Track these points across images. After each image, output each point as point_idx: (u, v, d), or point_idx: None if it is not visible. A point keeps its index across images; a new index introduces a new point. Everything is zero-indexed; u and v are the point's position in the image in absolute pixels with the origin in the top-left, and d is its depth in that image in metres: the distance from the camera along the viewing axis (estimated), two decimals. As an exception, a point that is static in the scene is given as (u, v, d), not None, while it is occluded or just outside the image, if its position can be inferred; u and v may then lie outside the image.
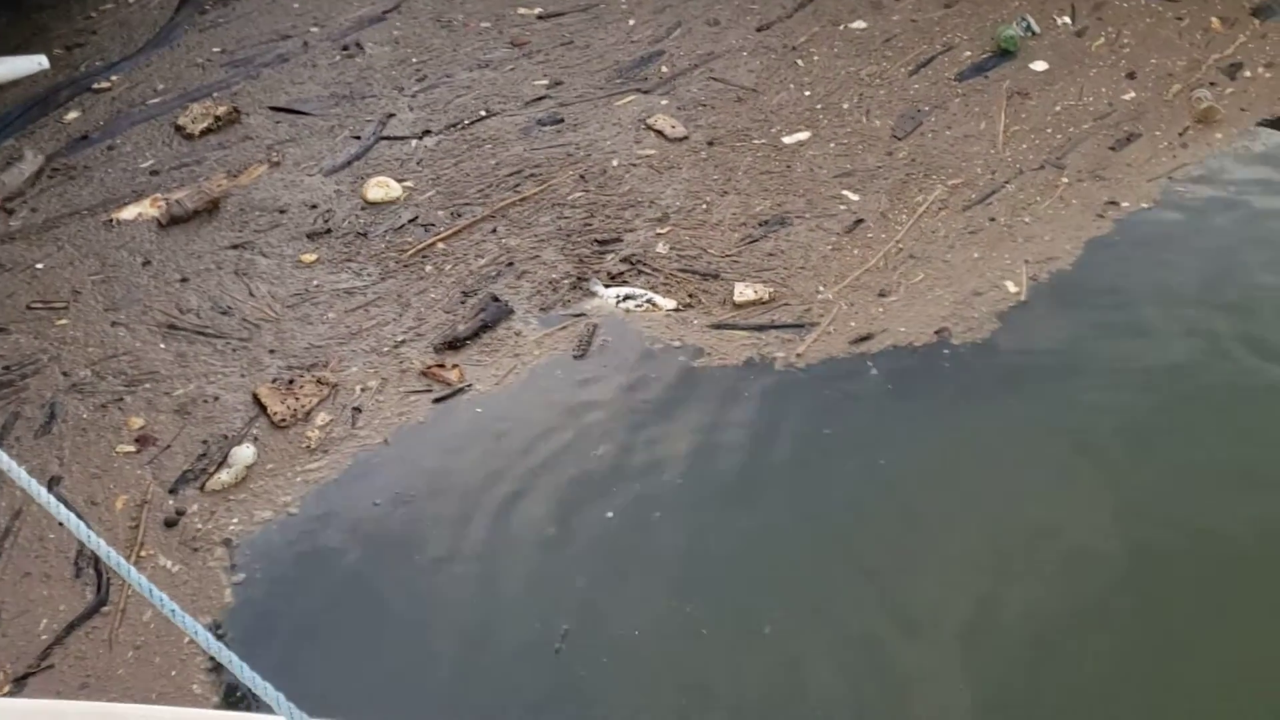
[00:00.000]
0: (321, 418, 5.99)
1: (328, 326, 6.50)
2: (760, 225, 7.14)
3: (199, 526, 5.48)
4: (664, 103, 8.23)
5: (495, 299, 6.61)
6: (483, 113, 8.19)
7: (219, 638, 2.61)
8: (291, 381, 6.15)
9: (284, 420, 5.95)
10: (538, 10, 9.39)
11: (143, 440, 5.88)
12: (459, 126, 8.06)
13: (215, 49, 8.98)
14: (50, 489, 5.37)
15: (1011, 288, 6.61)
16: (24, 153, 7.68)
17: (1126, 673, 4.78)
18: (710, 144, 7.83)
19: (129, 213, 7.28)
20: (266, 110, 8.28)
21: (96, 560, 5.27)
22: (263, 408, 6.01)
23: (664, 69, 8.62)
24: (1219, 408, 5.94)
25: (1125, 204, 7.19)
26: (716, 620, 5.04)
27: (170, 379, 6.20)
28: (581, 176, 7.54)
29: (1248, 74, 8.34)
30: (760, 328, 6.44)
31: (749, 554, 5.33)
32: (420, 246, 7.02)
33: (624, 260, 6.90)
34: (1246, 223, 7.10)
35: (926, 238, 7.01)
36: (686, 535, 5.41)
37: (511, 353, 6.34)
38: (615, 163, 7.66)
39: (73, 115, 8.23)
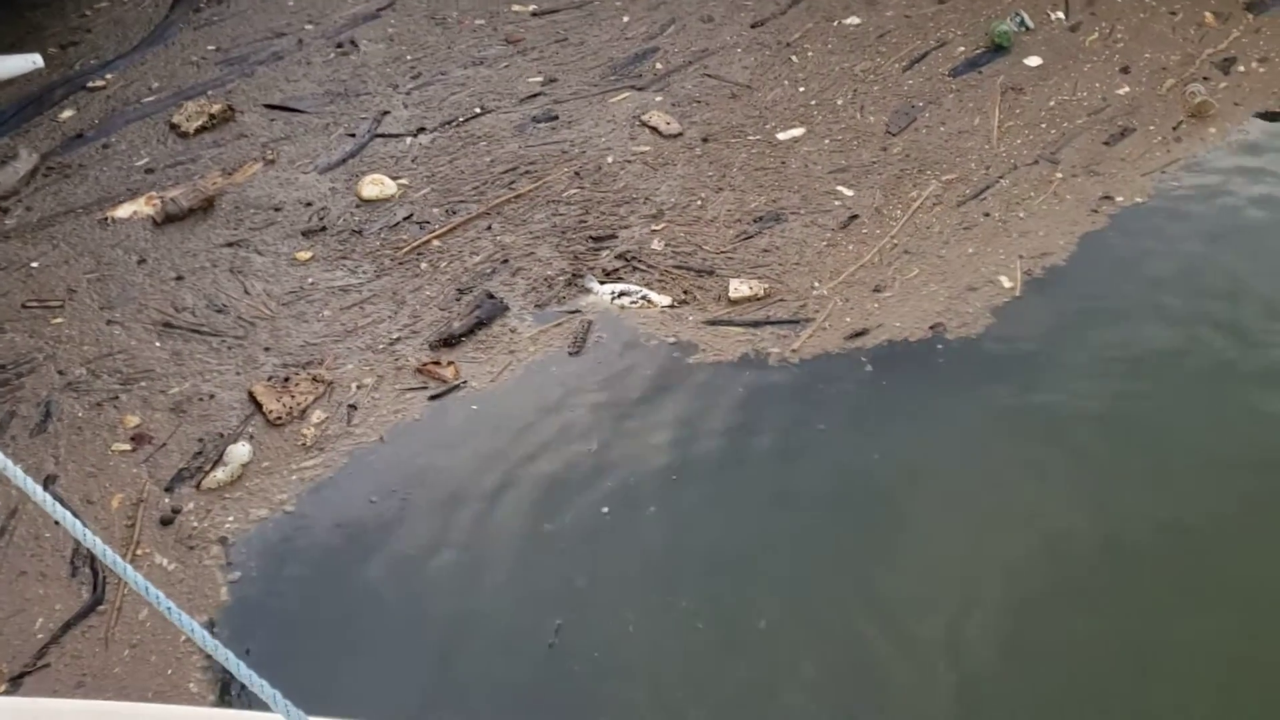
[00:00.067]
0: (317, 415, 6.00)
1: (323, 324, 6.51)
2: (755, 221, 7.15)
3: (195, 525, 5.48)
4: (658, 99, 8.23)
5: (490, 296, 6.61)
6: (477, 110, 8.19)
7: (215, 636, 2.60)
8: (287, 379, 6.15)
9: (279, 418, 5.95)
10: (532, 7, 9.38)
11: (138, 439, 5.88)
12: (454, 124, 8.06)
13: (210, 47, 8.97)
14: (46, 488, 5.38)
15: (1006, 283, 6.61)
16: (19, 151, 7.67)
17: (1118, 663, 4.79)
18: (705, 140, 7.83)
19: (124, 211, 7.28)
20: (261, 108, 8.28)
21: (92, 559, 5.28)
22: (258, 406, 6.02)
23: (658, 65, 8.62)
24: (1216, 402, 5.94)
25: (1119, 199, 7.19)
26: (712, 615, 5.05)
27: (166, 377, 6.20)
28: (576, 173, 7.55)
29: (1241, 68, 8.34)
30: (755, 324, 6.45)
31: (744, 549, 5.34)
32: (415, 244, 7.02)
33: (619, 257, 6.91)
34: (1240, 217, 7.11)
35: (921, 233, 7.02)
36: (681, 530, 5.43)
37: (507, 349, 6.34)
38: (610, 159, 7.66)
39: (67, 114, 8.22)
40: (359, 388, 6.15)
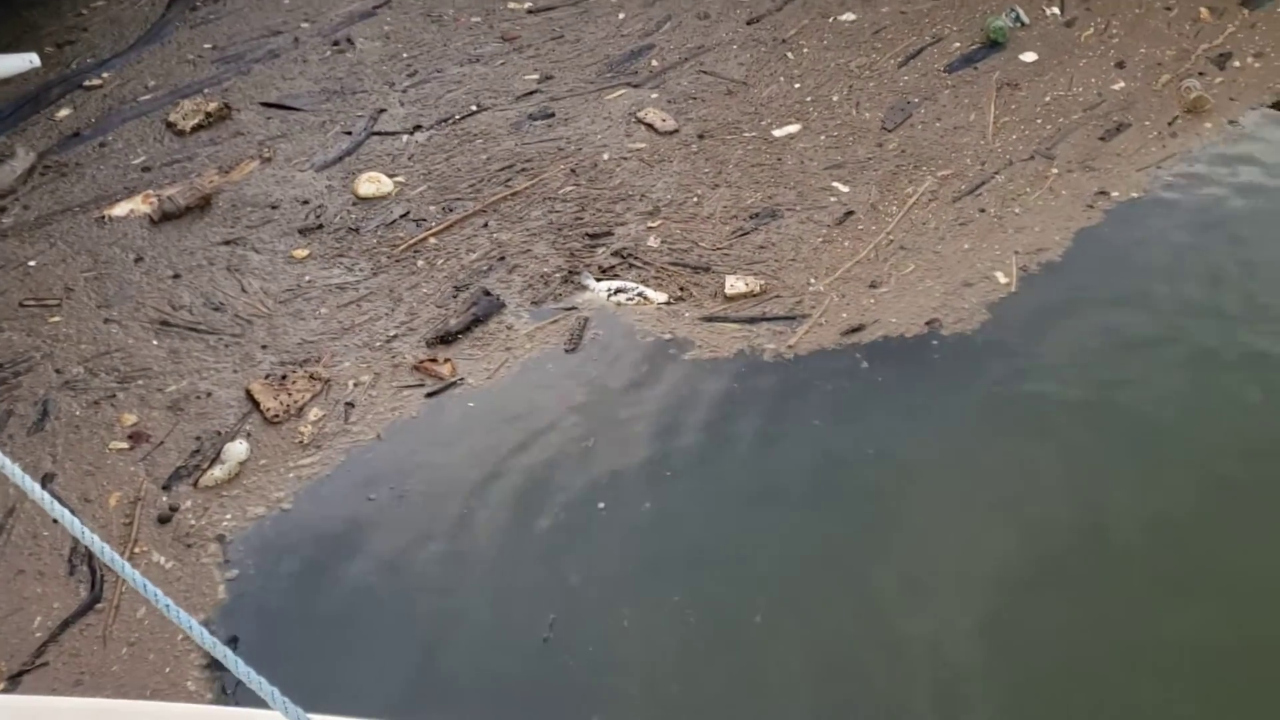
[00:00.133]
0: (314, 413, 6.00)
1: (320, 322, 6.51)
2: (751, 218, 7.16)
3: (192, 523, 5.49)
4: (654, 96, 8.24)
5: (487, 293, 6.62)
6: (474, 107, 8.20)
7: (212, 633, 2.61)
8: (284, 377, 6.16)
9: (277, 416, 5.96)
10: (528, 4, 9.39)
11: (136, 437, 5.89)
12: (450, 121, 8.07)
13: (206, 45, 8.98)
14: (44, 486, 5.39)
15: (1001, 279, 6.63)
16: (16, 150, 7.68)
17: (1115, 659, 4.81)
18: (701, 137, 7.84)
19: (121, 209, 7.29)
20: (258, 106, 8.28)
21: (90, 557, 5.29)
22: (256, 404, 6.03)
23: (654, 62, 8.63)
24: (1214, 398, 5.95)
25: (1115, 194, 7.20)
26: (706, 610, 5.06)
27: (163, 375, 6.21)
28: (572, 170, 7.55)
29: (1237, 64, 8.35)
30: (752, 320, 6.46)
31: (740, 545, 5.35)
32: (412, 241, 7.03)
33: (615, 254, 6.92)
34: (1236, 212, 7.11)
35: (917, 229, 7.03)
36: (677, 526, 5.44)
37: (503, 346, 6.35)
38: (606, 156, 7.67)
39: (64, 112, 8.23)
40: (356, 385, 6.16)
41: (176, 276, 6.80)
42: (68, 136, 7.97)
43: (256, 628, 5.06)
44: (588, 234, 7.05)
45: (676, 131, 7.90)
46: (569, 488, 5.61)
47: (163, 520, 5.49)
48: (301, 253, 6.96)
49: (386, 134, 7.97)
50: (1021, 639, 4.93)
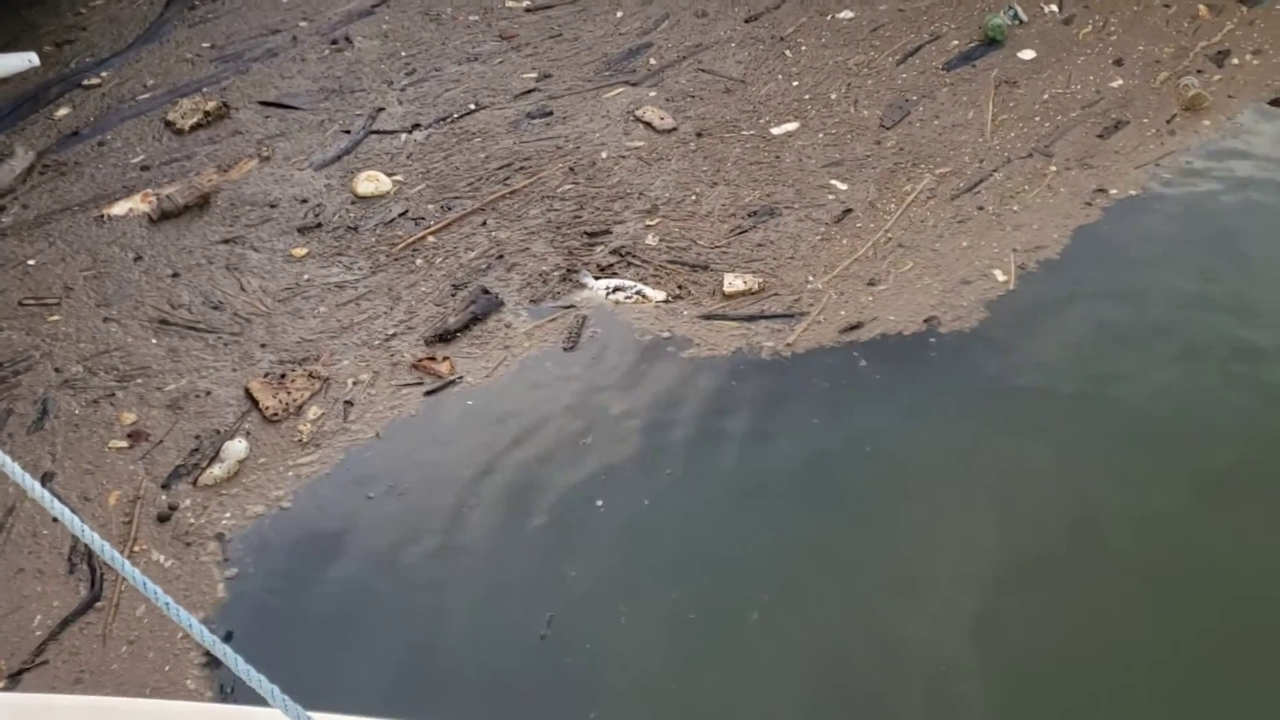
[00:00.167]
0: (313, 412, 6.01)
1: (319, 320, 6.52)
2: (749, 216, 7.16)
3: (191, 521, 5.50)
4: (652, 94, 8.25)
5: (485, 291, 6.63)
6: (472, 106, 8.21)
7: (212, 632, 2.61)
8: (283, 376, 6.17)
9: (276, 414, 5.97)
10: (526, 3, 9.39)
11: (135, 436, 5.89)
12: (448, 120, 8.07)
13: (204, 44, 8.98)
14: (43, 485, 5.40)
15: (1000, 276, 6.63)
16: (15, 149, 7.68)
17: (1113, 657, 4.82)
18: (699, 135, 7.84)
19: (120, 208, 7.29)
20: (256, 105, 8.29)
21: (90, 555, 5.29)
22: (255, 402, 6.03)
23: (652, 61, 8.63)
24: (1210, 395, 5.95)
25: (1113, 191, 7.21)
26: (704, 607, 5.07)
27: (162, 374, 6.21)
28: (571, 169, 7.56)
29: (1235, 61, 8.36)
30: (750, 318, 6.46)
31: (738, 542, 5.36)
32: (410, 240, 7.03)
33: (613, 252, 6.92)
34: (1234, 209, 7.11)
35: (915, 227, 7.04)
36: (675, 524, 5.45)
37: (502, 345, 6.36)
38: (604, 155, 7.67)
39: (63, 111, 8.23)
40: (355, 384, 6.16)
41: (175, 275, 6.80)
42: (67, 135, 7.98)
43: (256, 626, 5.07)
44: (586, 232, 7.06)
45: (675, 130, 7.90)
46: (567, 486, 5.62)
47: (162, 519, 5.50)
48: (300, 251, 6.97)
49: (385, 133, 7.98)
50: (1017, 635, 4.94)
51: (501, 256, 6.90)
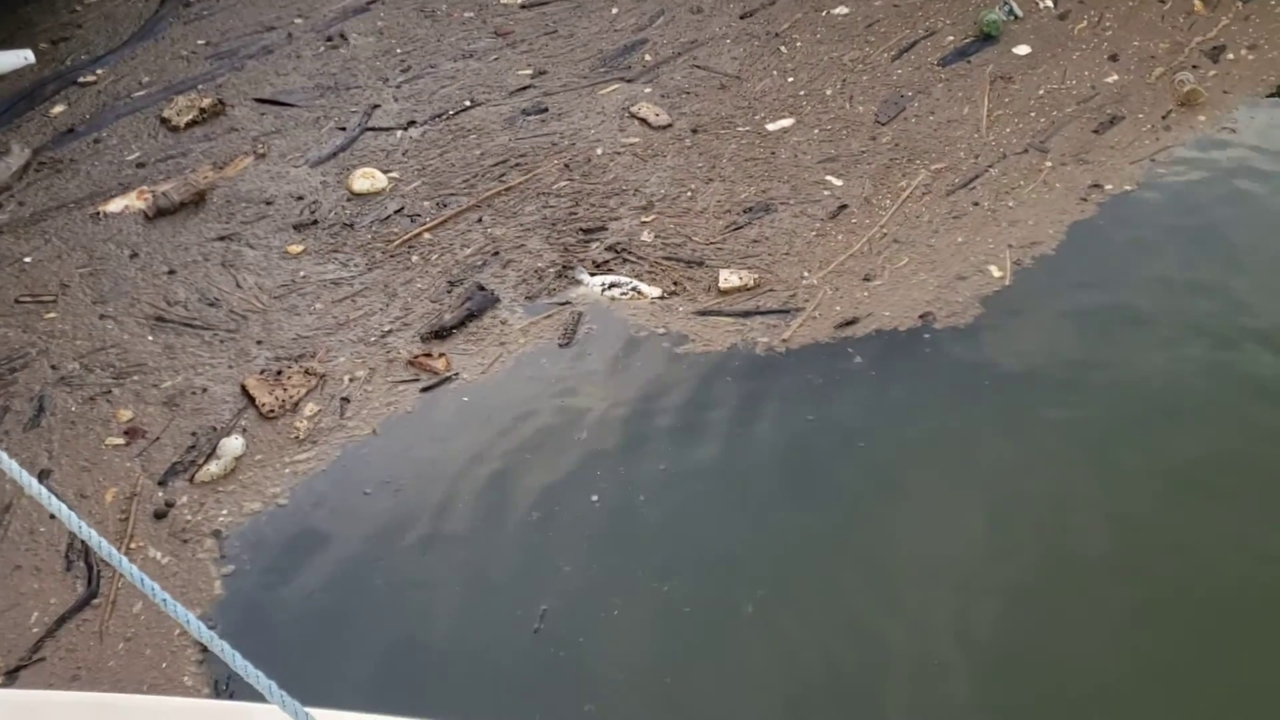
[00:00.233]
0: (310, 408, 6.01)
1: (315, 317, 6.52)
2: (745, 212, 7.17)
3: (188, 518, 5.50)
4: (648, 91, 8.25)
5: (481, 288, 6.63)
6: (467, 103, 8.21)
7: (209, 628, 2.62)
8: (279, 373, 6.17)
9: (272, 411, 5.97)
10: (521, -1, 9.42)
11: (131, 433, 5.90)
12: (444, 117, 8.07)
13: (200, 41, 8.98)
14: (40, 482, 5.40)
15: (995, 272, 6.64)
16: (10, 146, 7.68)
17: (1101, 648, 4.83)
18: (694, 132, 7.85)
19: (116, 205, 7.29)
20: (251, 102, 8.29)
21: (87, 553, 5.30)
22: (251, 399, 6.03)
23: (647, 57, 8.63)
24: (1207, 391, 5.96)
25: (1108, 187, 7.22)
26: (699, 601, 5.08)
27: (158, 371, 6.21)
28: (566, 165, 7.56)
29: (1230, 56, 8.37)
30: (745, 314, 6.47)
31: (732, 536, 5.37)
32: (406, 237, 7.04)
33: (609, 248, 6.93)
34: (1229, 204, 7.13)
35: (910, 222, 7.05)
36: (671, 519, 5.45)
37: (497, 341, 6.36)
38: (600, 151, 7.68)
39: (59, 109, 8.23)
40: (351, 380, 6.16)
41: (171, 272, 6.80)
42: (62, 133, 7.97)
43: (253, 622, 5.07)
44: (582, 229, 7.06)
45: (670, 126, 7.91)
46: (562, 481, 5.63)
47: (159, 516, 5.50)
48: (296, 248, 6.97)
49: (380, 130, 7.98)
50: (1010, 629, 4.94)
51: (497, 253, 6.90)
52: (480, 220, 7.15)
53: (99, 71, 8.62)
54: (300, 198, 7.35)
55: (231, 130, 7.99)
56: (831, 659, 4.86)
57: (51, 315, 6.53)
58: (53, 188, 7.46)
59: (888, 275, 6.66)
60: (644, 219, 7.12)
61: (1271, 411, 5.85)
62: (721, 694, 4.79)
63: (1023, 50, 8.52)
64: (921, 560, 5.23)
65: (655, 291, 6.63)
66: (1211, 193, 7.22)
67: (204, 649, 4.77)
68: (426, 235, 7.05)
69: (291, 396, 6.04)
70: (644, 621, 5.03)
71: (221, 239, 7.04)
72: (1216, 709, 4.71)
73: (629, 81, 8.37)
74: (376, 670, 4.88)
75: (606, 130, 7.87)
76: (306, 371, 6.17)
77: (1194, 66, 8.24)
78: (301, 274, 6.79)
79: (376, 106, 8.19)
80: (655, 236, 6.99)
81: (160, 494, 5.61)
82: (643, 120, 7.95)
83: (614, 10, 9.19)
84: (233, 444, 5.78)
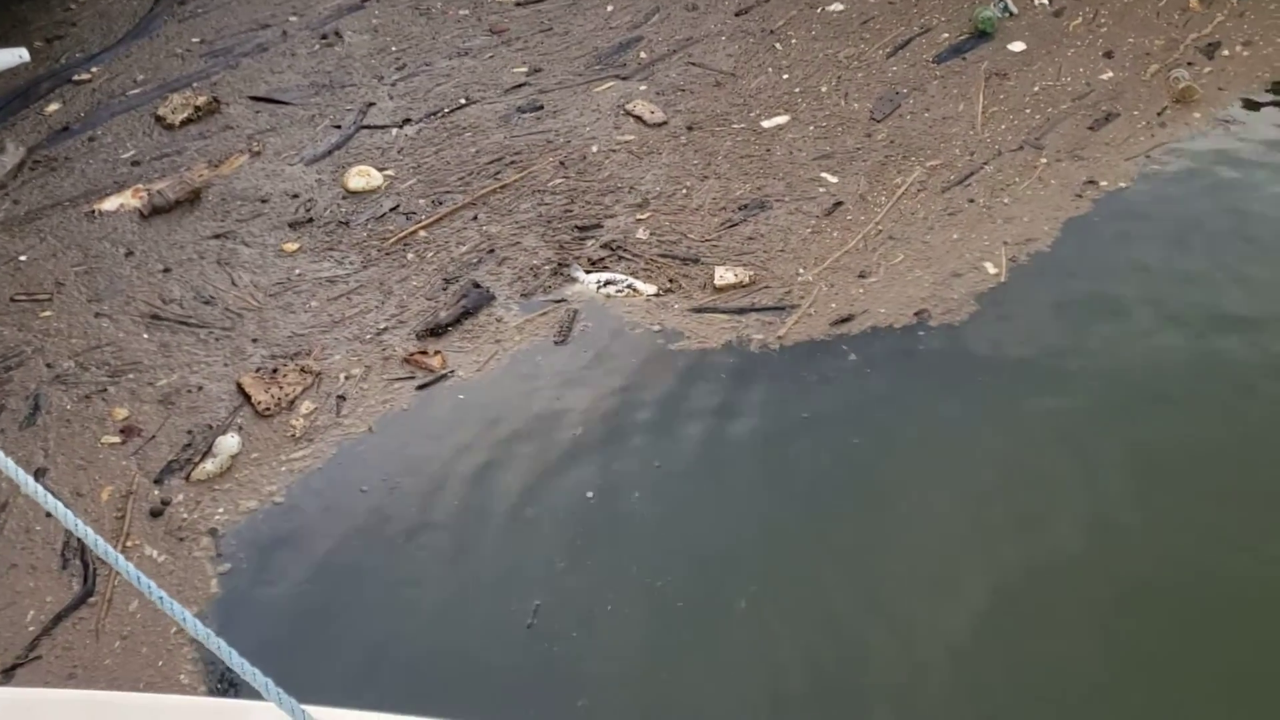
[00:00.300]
0: (306, 406, 6.01)
1: (310, 315, 6.52)
2: (740, 209, 7.17)
3: (184, 516, 5.50)
4: (643, 88, 8.25)
5: (477, 285, 6.63)
6: (463, 100, 8.21)
7: (205, 626, 2.62)
8: (275, 370, 6.17)
9: (268, 409, 5.97)
10: (516, -3, 9.42)
11: (127, 431, 5.89)
12: (439, 115, 8.07)
13: (194, 39, 8.98)
14: (36, 480, 5.39)
15: (991, 269, 6.64)
16: (5, 145, 7.68)
17: (1084, 642, 4.84)
18: (689, 129, 7.85)
19: (111, 204, 7.29)
20: (246, 100, 8.29)
21: (83, 551, 5.29)
22: (247, 397, 6.03)
23: (642, 55, 8.64)
24: (1198, 387, 5.96)
25: (1104, 183, 7.22)
26: (692, 596, 5.09)
27: (154, 369, 6.21)
28: (561, 163, 7.56)
29: (1226, 53, 8.37)
30: (741, 311, 6.47)
31: (726, 533, 5.38)
32: (402, 234, 7.04)
33: (604, 246, 6.93)
34: (1224, 201, 7.13)
35: (906, 219, 7.05)
36: (665, 515, 5.47)
37: (493, 339, 6.36)
38: (595, 149, 7.68)
39: (53, 107, 8.23)
40: (347, 378, 6.16)
41: (167, 270, 6.80)
42: (57, 131, 7.97)
43: (249, 620, 5.07)
44: (577, 226, 7.06)
45: (665, 123, 7.91)
46: (558, 478, 5.63)
47: (155, 514, 5.50)
48: (291, 246, 6.97)
49: (375, 128, 7.98)
50: (1004, 625, 4.95)
51: (493, 251, 6.90)
52: (476, 218, 7.15)
53: (94, 69, 8.62)
54: (295, 196, 7.35)
55: (226, 128, 7.99)
56: (824, 655, 4.87)
57: (47, 314, 6.53)
58: (48, 186, 7.46)
59: (883, 272, 6.67)
60: (639, 216, 7.12)
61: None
62: (714, 689, 4.79)
63: (1018, 47, 8.53)
64: (916, 556, 5.23)
65: (651, 289, 6.63)
66: (1207, 189, 7.22)
67: (200, 647, 4.77)
68: (422, 233, 7.05)
69: (287, 394, 6.04)
70: (637, 617, 5.04)
71: (217, 237, 7.04)
72: (1201, 696, 4.72)
73: (624, 79, 8.37)
74: (372, 666, 4.88)
75: (602, 128, 7.87)
76: (302, 369, 6.17)
77: (1189, 63, 8.24)
78: (297, 272, 6.79)
79: (371, 104, 8.20)
80: (650, 234, 6.99)
81: (156, 492, 5.61)
82: (638, 118, 7.95)
83: (609, 8, 9.19)
84: (229, 442, 5.78)
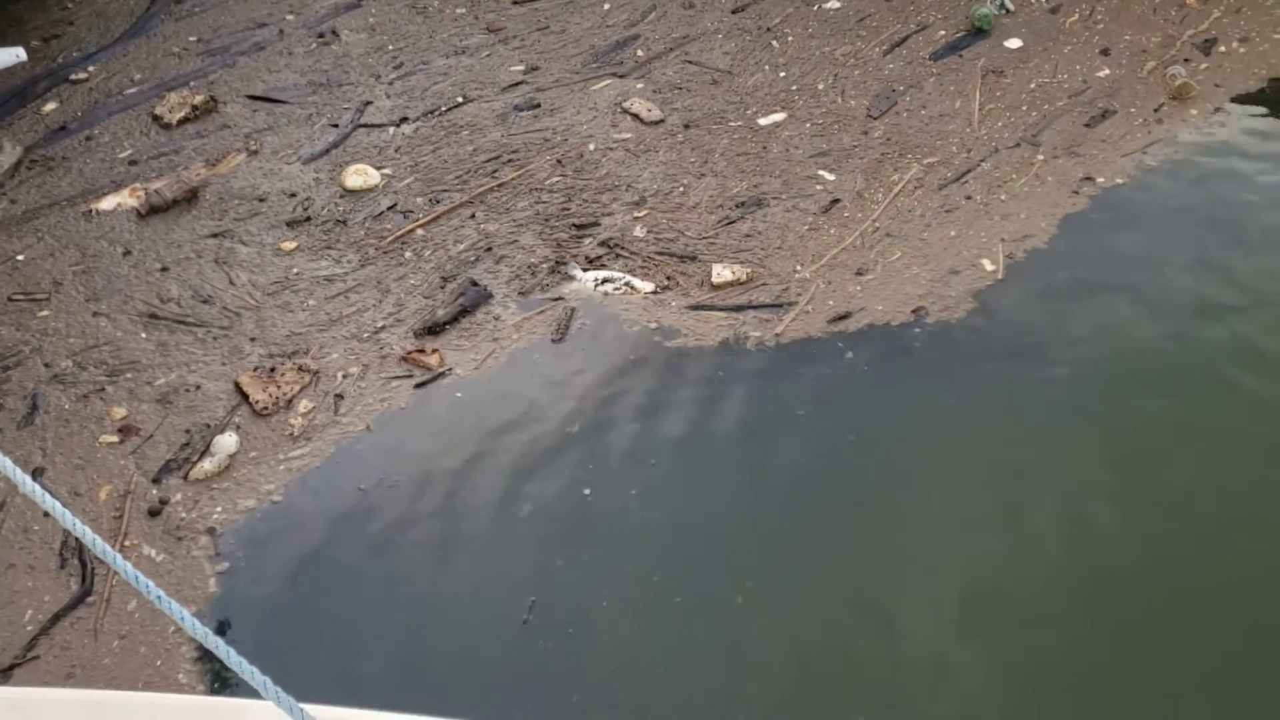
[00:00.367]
0: (304, 405, 6.01)
1: (308, 314, 6.52)
2: (737, 207, 7.17)
3: (183, 516, 5.50)
4: (640, 86, 8.25)
5: (474, 284, 6.63)
6: (460, 99, 8.21)
7: (204, 625, 2.62)
8: (273, 369, 6.17)
9: (266, 408, 5.97)
10: (513, -5, 9.42)
11: (125, 430, 5.90)
12: (436, 113, 8.08)
13: (191, 38, 8.98)
14: (34, 480, 5.39)
15: (988, 266, 6.64)
16: (2, 144, 7.68)
17: (1084, 639, 4.85)
18: (686, 127, 7.85)
19: (108, 203, 7.29)
20: (244, 99, 8.29)
21: (81, 551, 5.30)
22: (245, 396, 6.03)
23: (639, 53, 8.63)
24: (1195, 385, 5.96)
25: (1100, 180, 7.22)
26: (690, 592, 5.09)
27: (152, 368, 6.21)
28: (559, 161, 7.56)
29: (1222, 49, 8.37)
30: (738, 308, 6.47)
31: (723, 529, 5.39)
32: (399, 233, 7.04)
33: (602, 244, 6.93)
34: (1220, 197, 7.13)
35: (903, 216, 7.05)
36: (662, 511, 5.47)
37: (490, 337, 6.37)
38: (592, 147, 7.68)
39: (51, 106, 8.23)
40: (345, 377, 6.17)
41: (164, 269, 6.80)
42: (54, 130, 7.98)
43: (247, 619, 5.08)
44: (574, 224, 7.07)
45: (662, 121, 7.91)
46: (555, 475, 5.63)
47: (153, 513, 5.51)
48: (289, 245, 6.97)
49: (373, 126, 7.98)
50: (1000, 621, 4.96)
51: (490, 249, 6.91)
52: (473, 216, 7.15)
53: (91, 69, 8.62)
54: (293, 194, 7.35)
55: (224, 127, 8.00)
56: (821, 650, 4.87)
57: (44, 313, 6.53)
58: (45, 185, 7.47)
59: (880, 269, 6.67)
60: (637, 214, 7.13)
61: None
62: (710, 685, 4.80)
63: (1014, 44, 8.52)
64: (911, 552, 5.24)
65: (648, 286, 6.63)
66: (1204, 185, 7.22)
67: (199, 646, 4.78)
68: (419, 231, 7.05)
69: (285, 393, 6.04)
70: (633, 613, 5.05)
71: (214, 236, 7.04)
72: (1189, 685, 4.73)
73: (621, 77, 8.38)
74: (369, 664, 4.89)
75: (599, 126, 7.87)
76: (300, 368, 6.17)
77: (1185, 60, 8.24)
78: (295, 271, 6.80)
79: (369, 103, 8.20)
80: (648, 232, 7.00)
81: (154, 491, 5.61)
82: (635, 116, 7.95)
83: (606, 6, 9.19)
84: (227, 441, 5.79)
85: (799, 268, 6.71)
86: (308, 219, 7.16)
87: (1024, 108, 7.91)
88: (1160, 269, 6.62)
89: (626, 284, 6.62)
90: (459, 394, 6.08)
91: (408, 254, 6.90)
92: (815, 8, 9.04)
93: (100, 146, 7.81)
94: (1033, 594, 5.04)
